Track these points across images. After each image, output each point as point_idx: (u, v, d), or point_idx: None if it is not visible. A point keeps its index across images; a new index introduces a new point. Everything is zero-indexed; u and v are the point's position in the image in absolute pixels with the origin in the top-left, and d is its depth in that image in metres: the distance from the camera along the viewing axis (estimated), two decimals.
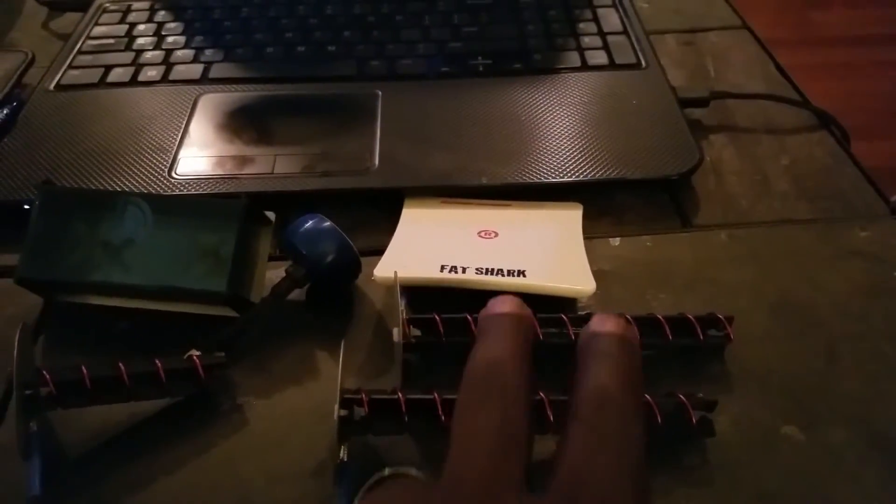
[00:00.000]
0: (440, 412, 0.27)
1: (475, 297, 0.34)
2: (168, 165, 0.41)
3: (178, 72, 0.49)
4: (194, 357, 0.31)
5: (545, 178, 0.40)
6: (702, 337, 0.32)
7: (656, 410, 0.28)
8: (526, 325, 0.26)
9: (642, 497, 0.21)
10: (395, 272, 0.32)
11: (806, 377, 0.32)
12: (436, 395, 0.27)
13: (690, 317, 0.32)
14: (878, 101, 1.63)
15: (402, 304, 0.33)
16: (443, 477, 0.21)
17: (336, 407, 0.26)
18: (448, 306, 0.32)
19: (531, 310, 0.27)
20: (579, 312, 0.35)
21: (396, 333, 0.31)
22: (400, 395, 0.27)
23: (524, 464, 0.22)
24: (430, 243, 0.37)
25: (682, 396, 0.29)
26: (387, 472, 0.27)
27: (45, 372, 0.29)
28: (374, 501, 0.24)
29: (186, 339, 0.32)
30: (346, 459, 0.27)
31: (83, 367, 0.29)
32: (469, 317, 0.31)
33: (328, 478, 0.28)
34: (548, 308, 0.35)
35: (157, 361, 0.30)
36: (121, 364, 0.30)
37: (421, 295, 0.34)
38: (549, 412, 0.27)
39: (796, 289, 0.36)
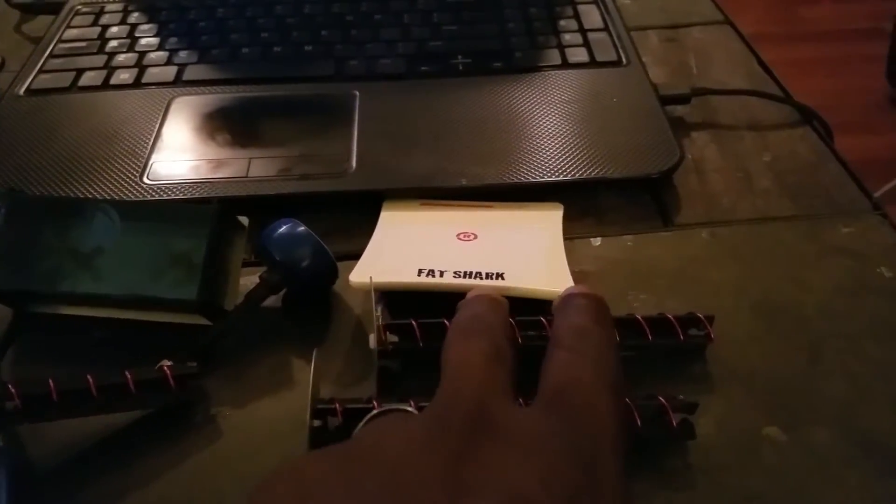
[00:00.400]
0: None
1: (456, 300, 0.33)
2: (140, 170, 0.40)
3: (152, 74, 0.48)
4: (165, 368, 0.30)
5: (526, 178, 0.40)
6: (682, 337, 0.32)
7: (636, 413, 0.28)
8: (501, 305, 0.28)
9: (621, 409, 0.23)
10: (371, 277, 0.32)
11: (789, 377, 0.32)
12: (412, 403, 0.27)
13: (670, 316, 0.32)
14: (865, 95, 1.63)
15: (377, 310, 0.32)
16: (437, 396, 0.23)
17: (308, 417, 0.25)
18: (430, 310, 0.32)
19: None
20: None
21: (372, 340, 0.30)
22: (375, 404, 0.27)
23: (513, 380, 0.24)
24: (409, 246, 0.36)
25: (662, 399, 0.28)
26: (380, 409, 0.27)
27: (10, 385, 0.28)
28: (372, 427, 0.24)
29: (161, 349, 0.31)
30: None
31: (50, 380, 0.29)
32: (447, 322, 0.30)
33: None
34: (527, 310, 0.34)
35: (126, 373, 0.29)
36: (89, 376, 0.29)
37: (402, 299, 0.34)
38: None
39: (779, 287, 0.36)
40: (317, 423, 0.27)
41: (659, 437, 0.29)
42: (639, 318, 0.31)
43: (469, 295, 0.28)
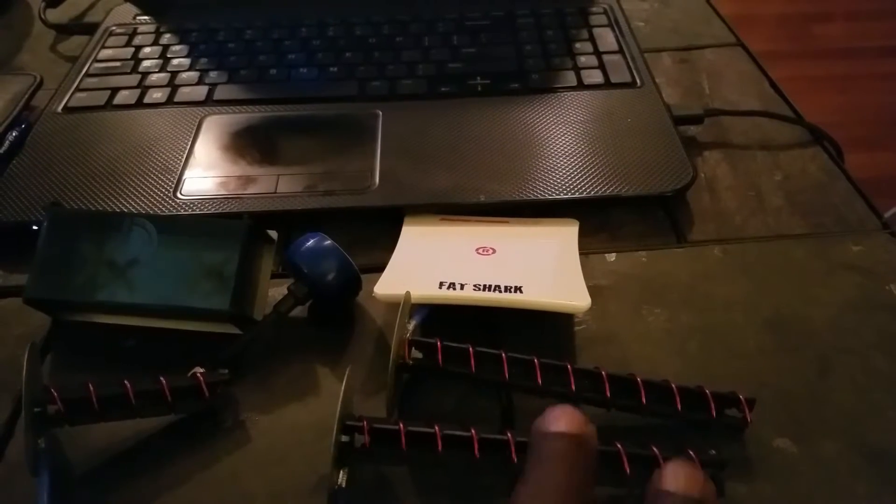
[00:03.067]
0: (439, 446, 0.27)
1: (476, 313, 0.35)
2: (173, 186, 0.42)
3: (183, 93, 0.50)
4: (198, 375, 0.32)
5: (542, 195, 0.41)
6: (714, 415, 0.30)
7: (662, 464, 0.27)
8: (587, 450, 0.24)
9: None
10: (408, 291, 0.33)
11: (798, 390, 0.33)
12: (437, 427, 0.28)
13: (707, 392, 0.30)
14: (877, 113, 1.63)
15: (411, 323, 0.33)
16: None
17: (334, 433, 0.27)
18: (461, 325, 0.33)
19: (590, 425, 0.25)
20: (575, 328, 0.36)
21: (394, 353, 0.31)
22: (401, 425, 0.28)
23: None
24: (429, 260, 0.37)
25: (691, 452, 0.28)
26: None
27: (53, 390, 0.30)
28: None
29: (191, 356, 0.33)
30: (343, 485, 0.28)
31: (90, 385, 0.30)
32: (471, 349, 0.31)
33: (328, 495, 0.29)
34: (544, 324, 0.36)
35: (162, 379, 0.31)
36: (127, 382, 0.30)
37: (433, 313, 0.35)
38: None
39: (790, 303, 0.37)
40: (345, 438, 0.28)
41: None
42: (673, 386, 0.30)
43: (548, 416, 0.25)
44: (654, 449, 0.28)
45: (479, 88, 0.49)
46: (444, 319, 0.35)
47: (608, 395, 0.30)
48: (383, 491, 0.30)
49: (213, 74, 0.51)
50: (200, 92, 0.50)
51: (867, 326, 0.36)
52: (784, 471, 0.30)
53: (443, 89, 0.49)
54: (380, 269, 0.37)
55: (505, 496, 0.29)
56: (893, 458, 0.30)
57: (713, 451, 0.29)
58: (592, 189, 0.41)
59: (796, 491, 0.29)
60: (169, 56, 0.54)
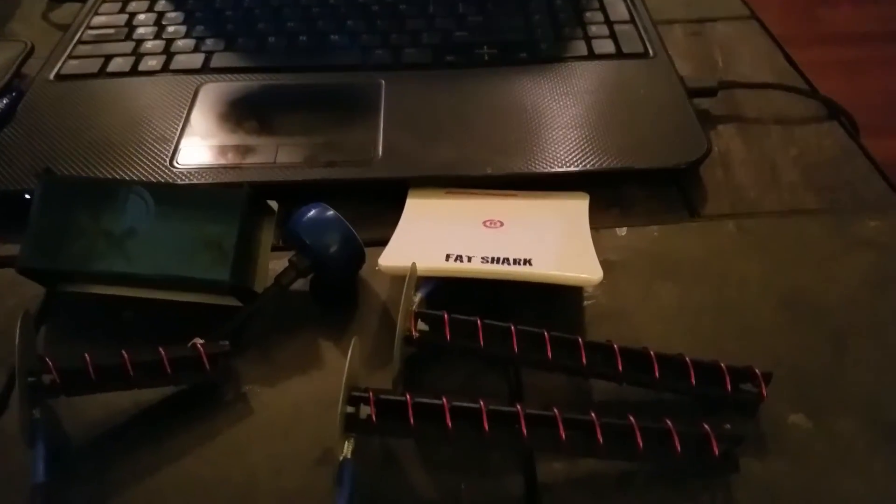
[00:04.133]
0: (448, 419, 0.27)
1: (485, 288, 0.34)
2: (169, 155, 0.41)
3: (179, 61, 0.48)
4: (198, 346, 0.31)
5: (551, 168, 0.40)
6: (730, 389, 0.30)
7: (676, 439, 0.27)
8: None
9: None
10: (414, 263, 0.32)
11: (814, 367, 0.32)
12: (445, 400, 0.27)
13: (722, 365, 0.30)
14: (885, 97, 1.62)
15: (417, 296, 0.32)
16: None
17: (339, 401, 0.26)
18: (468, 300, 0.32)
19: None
20: (585, 303, 0.35)
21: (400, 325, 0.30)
22: (408, 397, 0.27)
23: None
24: (435, 233, 0.36)
25: (706, 426, 0.27)
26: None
27: (48, 359, 0.29)
28: None
29: (190, 329, 0.32)
30: (349, 456, 0.27)
31: (86, 355, 0.29)
32: (479, 322, 0.30)
33: (333, 467, 0.28)
34: (553, 299, 0.35)
35: (160, 350, 0.30)
36: (124, 352, 0.30)
37: (439, 288, 0.34)
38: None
39: (805, 279, 0.36)
40: (350, 409, 0.27)
41: (699, 467, 0.28)
42: (687, 360, 0.30)
43: None
44: (668, 423, 0.27)
45: (486, 58, 0.48)
46: (450, 294, 0.34)
47: (620, 369, 0.29)
48: (389, 464, 0.29)
49: (209, 42, 0.50)
50: (197, 60, 0.48)
51: (884, 302, 0.35)
52: (799, 447, 0.29)
53: (448, 59, 0.48)
54: (383, 243, 0.36)
55: (514, 471, 0.29)
56: None
57: (728, 426, 0.28)
58: (603, 162, 0.40)
59: (811, 467, 0.29)
60: (164, 23, 0.52)
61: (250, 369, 0.32)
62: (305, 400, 0.31)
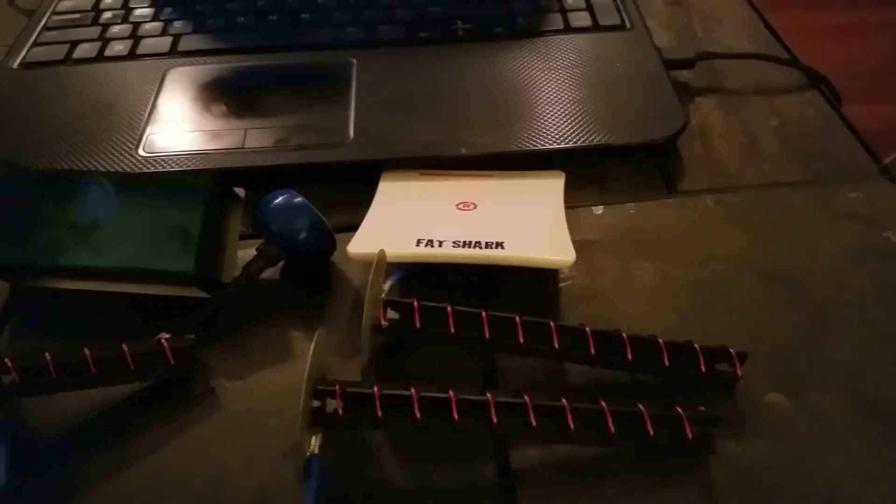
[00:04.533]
0: (416, 409, 0.26)
1: (456, 272, 0.33)
2: (135, 143, 0.40)
3: (147, 45, 0.47)
4: (163, 340, 0.30)
5: (527, 146, 0.39)
6: (704, 369, 0.29)
7: (648, 422, 0.26)
8: None
9: None
10: (383, 249, 0.31)
11: (794, 344, 0.32)
12: (413, 391, 0.26)
13: (696, 346, 0.29)
14: (873, 63, 1.60)
15: (387, 283, 0.31)
16: None
17: (302, 398, 0.25)
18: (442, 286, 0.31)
19: None
20: (560, 285, 0.34)
21: (367, 314, 0.30)
22: (375, 389, 0.26)
23: None
24: (407, 217, 0.36)
25: (679, 409, 0.27)
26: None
27: (7, 360, 0.28)
28: None
29: (159, 322, 0.31)
30: (315, 451, 0.26)
31: (47, 354, 0.28)
32: (449, 308, 0.30)
33: (302, 462, 0.28)
34: (529, 281, 0.34)
35: (123, 346, 0.29)
36: (86, 349, 0.29)
37: (412, 273, 0.33)
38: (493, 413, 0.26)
39: (786, 254, 0.35)
40: (316, 403, 0.26)
41: (674, 450, 0.28)
42: (660, 341, 0.29)
43: None
44: (640, 406, 0.27)
45: (461, 33, 0.47)
46: (424, 279, 0.33)
47: (593, 351, 0.29)
48: (361, 456, 0.28)
49: (177, 24, 0.49)
50: (164, 43, 0.47)
51: (865, 276, 0.34)
52: (777, 427, 0.29)
53: (422, 35, 0.47)
54: (356, 227, 0.35)
55: (487, 458, 0.28)
56: (890, 412, 0.29)
57: (702, 408, 0.27)
58: (580, 138, 0.39)
59: (790, 447, 0.28)
60: (131, 6, 0.51)
61: (220, 362, 0.32)
62: (277, 392, 0.31)
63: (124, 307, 0.34)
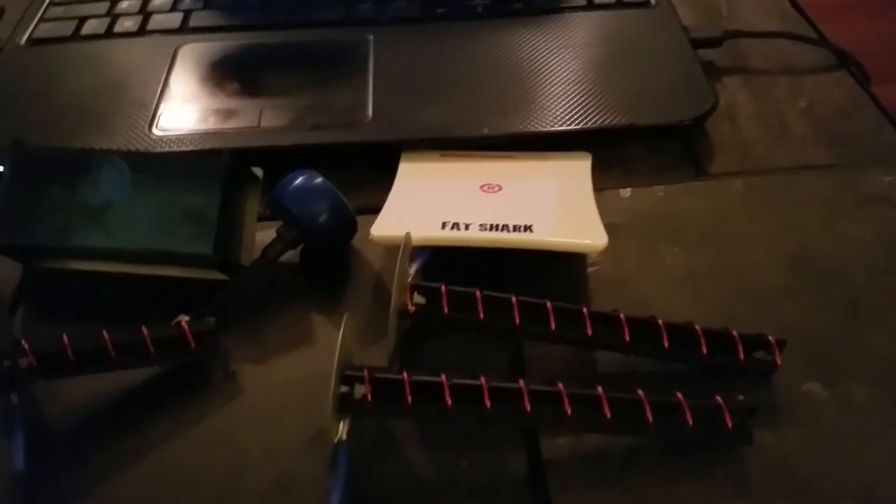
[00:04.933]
0: (447, 397, 0.25)
1: (482, 257, 0.32)
2: (148, 121, 0.39)
3: (157, 21, 0.46)
4: (183, 324, 0.29)
5: (550, 126, 0.38)
6: (742, 358, 0.28)
7: (687, 412, 0.26)
8: None
9: None
10: (408, 233, 0.30)
11: (827, 332, 0.31)
12: (444, 377, 0.25)
13: (734, 333, 0.28)
14: None
15: (412, 268, 0.31)
16: None
17: (332, 382, 0.24)
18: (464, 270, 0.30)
19: None
20: (588, 270, 0.33)
21: (394, 299, 0.29)
22: (405, 375, 0.25)
23: None
24: (430, 199, 0.35)
25: (718, 398, 0.26)
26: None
27: (24, 342, 0.27)
28: None
29: (174, 306, 0.30)
30: (343, 438, 0.25)
31: (65, 336, 0.28)
32: (478, 293, 0.29)
33: (327, 449, 0.27)
34: (554, 266, 0.33)
35: (143, 329, 0.28)
36: (105, 333, 0.28)
37: (435, 257, 0.32)
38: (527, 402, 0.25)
39: (816, 239, 0.34)
40: (344, 388, 0.25)
41: (711, 441, 0.27)
42: (697, 328, 0.28)
43: None
44: (679, 396, 0.26)
45: (479, 10, 0.45)
46: (446, 264, 0.32)
47: (627, 339, 0.28)
48: (387, 444, 0.28)
49: (188, 0, 0.47)
50: (175, 19, 0.46)
51: None
52: (814, 417, 0.28)
53: (439, 11, 0.45)
54: (375, 210, 0.34)
55: (517, 448, 0.27)
56: None
57: (741, 398, 0.27)
58: (605, 119, 0.38)
59: (827, 438, 0.27)
60: None
61: (238, 347, 0.31)
62: (297, 378, 0.30)
63: (138, 290, 0.33)
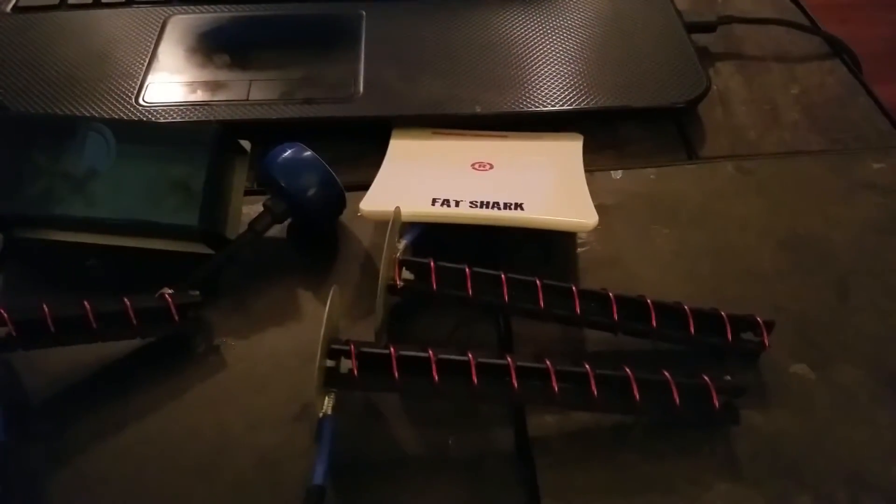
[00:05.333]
0: (434, 372, 0.25)
1: (471, 234, 0.32)
2: (135, 92, 0.38)
3: None
4: (166, 295, 0.29)
5: (543, 106, 0.37)
6: (731, 338, 0.28)
7: (675, 391, 0.26)
8: None
9: None
10: (398, 207, 0.29)
11: (817, 315, 0.31)
12: (431, 353, 0.25)
13: (723, 314, 0.28)
14: (892, 42, 1.57)
15: (401, 243, 0.30)
16: None
17: (318, 355, 0.24)
18: (454, 248, 0.30)
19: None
20: (578, 250, 0.33)
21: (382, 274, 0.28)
22: (392, 350, 0.25)
23: None
24: (421, 176, 0.34)
25: (706, 378, 0.26)
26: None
27: (3, 311, 0.27)
28: None
29: (158, 278, 0.30)
30: (329, 412, 0.25)
31: (45, 305, 0.27)
32: (468, 269, 0.29)
33: (312, 423, 0.27)
34: (545, 245, 0.33)
35: (126, 300, 0.28)
36: (86, 303, 0.27)
37: (425, 234, 0.32)
38: (514, 378, 0.25)
39: (807, 223, 0.34)
40: (330, 363, 0.25)
41: (698, 420, 0.27)
42: (685, 308, 0.28)
43: None
44: (666, 374, 0.26)
45: None
46: (436, 240, 0.32)
47: (616, 318, 0.28)
48: (372, 418, 0.28)
49: None
50: None
51: (889, 247, 0.33)
52: (801, 398, 0.28)
53: None
54: (365, 186, 0.33)
55: (504, 424, 0.27)
56: None
57: (728, 378, 0.27)
58: (599, 100, 0.38)
59: (814, 418, 0.27)
60: None
61: (224, 321, 0.31)
62: (283, 352, 0.30)
63: (122, 262, 0.33)
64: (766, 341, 0.28)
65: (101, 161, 0.31)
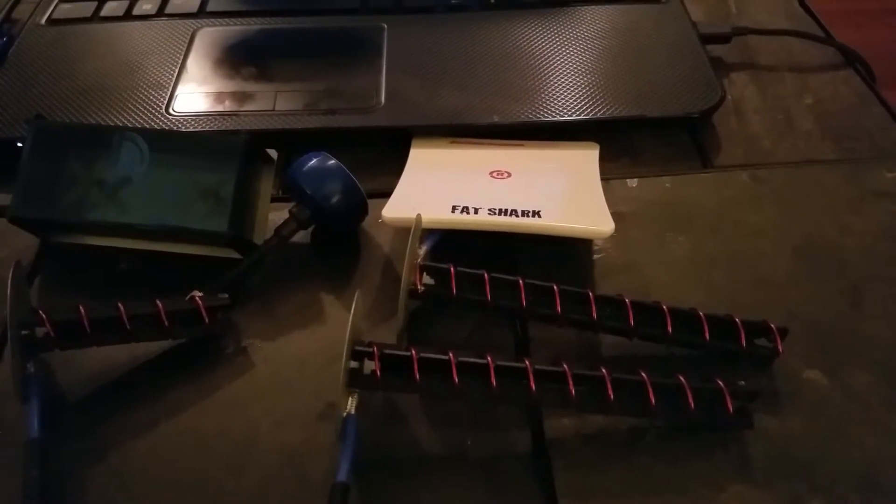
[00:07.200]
0: (454, 375, 0.26)
1: (491, 241, 0.33)
2: (165, 102, 0.39)
3: (175, 5, 0.46)
4: (197, 298, 0.30)
5: (560, 116, 0.38)
6: (744, 344, 0.29)
7: (689, 395, 0.26)
8: None
9: None
10: (420, 214, 0.30)
11: (830, 321, 0.31)
12: (451, 355, 0.26)
13: (737, 320, 0.29)
14: None
15: (422, 249, 0.31)
16: None
17: (343, 356, 0.25)
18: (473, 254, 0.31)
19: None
20: (594, 257, 0.34)
21: (405, 278, 0.29)
22: (413, 352, 0.26)
23: None
24: (440, 184, 0.35)
25: (720, 382, 0.27)
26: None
27: (41, 312, 0.28)
28: None
29: (188, 282, 0.31)
30: (352, 412, 0.26)
31: (81, 307, 0.28)
32: (486, 275, 0.29)
33: (336, 422, 0.28)
34: (561, 252, 0.34)
35: (158, 302, 0.29)
36: (120, 305, 0.29)
37: (444, 240, 0.33)
38: (533, 381, 0.26)
39: (821, 231, 0.35)
40: (354, 364, 0.26)
41: (712, 424, 0.28)
42: (700, 314, 0.29)
43: None
44: (681, 379, 0.27)
45: (492, 1, 0.46)
46: (455, 247, 0.33)
47: (632, 323, 0.29)
48: (393, 419, 0.28)
49: None
50: (193, 3, 0.46)
51: None
52: (814, 403, 0.29)
53: (452, 1, 0.46)
54: (386, 194, 0.34)
55: (521, 426, 0.28)
56: None
57: (742, 383, 0.27)
58: (614, 110, 0.38)
59: (827, 423, 0.28)
60: None
61: (251, 323, 0.32)
62: (307, 354, 0.31)
63: (153, 266, 0.34)
64: (780, 347, 0.29)
65: (135, 169, 0.32)
